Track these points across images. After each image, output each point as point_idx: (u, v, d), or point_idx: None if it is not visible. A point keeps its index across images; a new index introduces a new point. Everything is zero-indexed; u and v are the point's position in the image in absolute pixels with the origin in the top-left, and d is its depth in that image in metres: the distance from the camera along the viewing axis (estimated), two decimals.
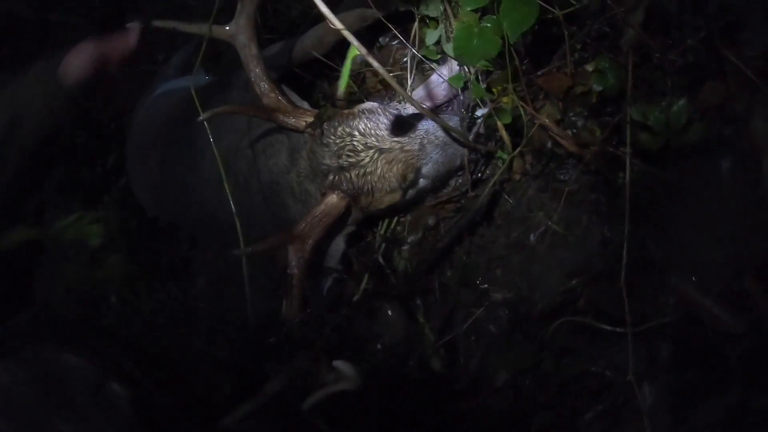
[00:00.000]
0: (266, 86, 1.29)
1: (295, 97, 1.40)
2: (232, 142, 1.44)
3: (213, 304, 1.80)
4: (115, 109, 2.24)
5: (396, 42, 1.52)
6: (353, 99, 1.54)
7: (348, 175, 1.25)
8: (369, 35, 1.51)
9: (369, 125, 1.25)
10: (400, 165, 1.24)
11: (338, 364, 1.05)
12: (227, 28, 1.30)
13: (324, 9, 1.10)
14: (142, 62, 1.97)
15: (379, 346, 1.33)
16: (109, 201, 2.20)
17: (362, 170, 1.24)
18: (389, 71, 1.53)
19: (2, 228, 2.25)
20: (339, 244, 1.37)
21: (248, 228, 1.33)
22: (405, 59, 1.50)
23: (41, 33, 2.43)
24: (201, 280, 1.86)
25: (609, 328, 1.17)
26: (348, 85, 1.56)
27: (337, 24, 1.07)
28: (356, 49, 1.09)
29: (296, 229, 1.25)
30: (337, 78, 1.58)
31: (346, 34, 1.10)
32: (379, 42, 1.55)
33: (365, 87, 1.53)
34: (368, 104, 1.33)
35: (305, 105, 1.39)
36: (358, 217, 1.33)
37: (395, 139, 1.24)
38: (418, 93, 1.40)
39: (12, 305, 2.23)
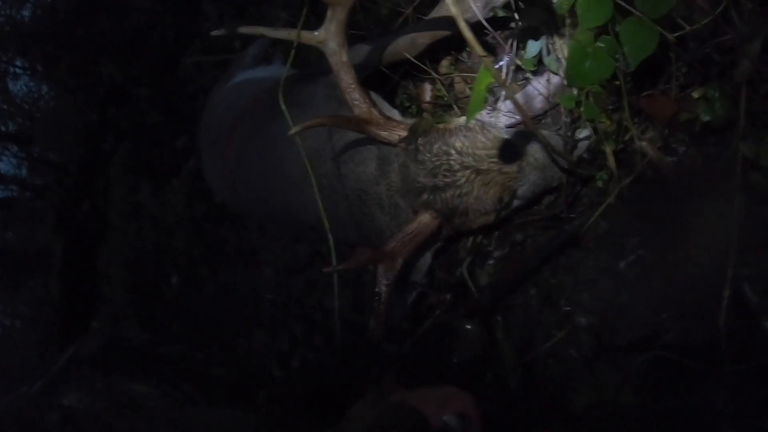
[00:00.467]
0: (358, 96, 1.25)
1: (385, 106, 1.38)
2: (317, 144, 1.42)
3: (278, 296, 1.81)
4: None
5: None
6: (441, 103, 1.52)
7: (443, 195, 1.21)
8: (459, 38, 1.48)
9: (466, 143, 1.21)
10: (497, 187, 1.20)
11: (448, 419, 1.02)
12: (316, 33, 1.26)
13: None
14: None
15: (455, 360, 1.32)
16: (177, 183, 2.23)
17: (458, 191, 1.20)
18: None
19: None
20: (426, 259, 1.35)
21: (339, 234, 1.32)
22: (496, 67, 1.47)
23: (119, 15, 2.47)
24: (268, 271, 1.86)
25: (698, 366, 1.14)
26: (435, 89, 1.54)
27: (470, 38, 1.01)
28: (489, 74, 1.05)
29: (387, 246, 1.23)
30: (424, 80, 1.56)
31: (492, 69, 1.04)
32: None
33: (454, 92, 1.50)
34: (463, 119, 1.29)
35: (395, 114, 1.36)
36: (449, 234, 1.30)
37: (493, 159, 1.19)
38: (511, 105, 1.37)
39: (77, 278, 2.30)
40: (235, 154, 1.71)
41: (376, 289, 1.22)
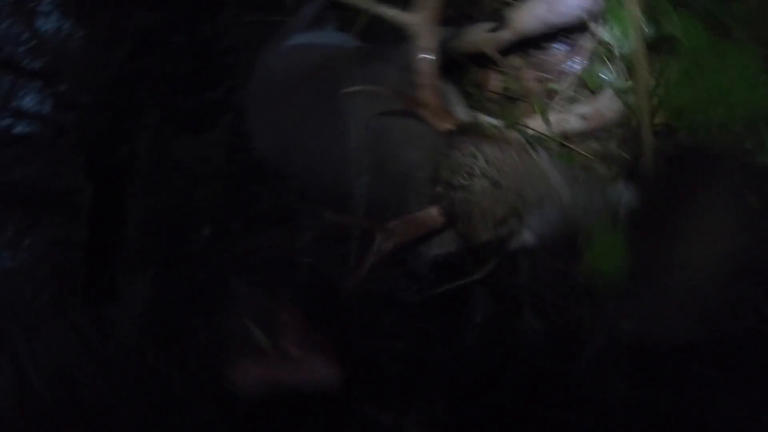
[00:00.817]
0: (429, 81, 1.27)
1: (454, 99, 1.40)
2: (380, 122, 1.43)
3: (317, 261, 1.84)
4: None
5: (562, 48, 1.54)
6: (508, 95, 1.58)
7: (453, 194, 1.21)
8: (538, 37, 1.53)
9: (497, 155, 1.20)
10: (505, 207, 1.18)
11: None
12: (410, 15, 1.29)
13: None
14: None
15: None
16: (215, 136, 2.23)
17: (468, 196, 1.20)
18: (545, 78, 1.56)
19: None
20: (428, 252, 1.35)
21: (374, 210, 1.35)
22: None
23: None
24: (307, 235, 1.90)
25: (711, 371, 1.22)
26: (504, 81, 1.59)
27: None
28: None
29: (389, 223, 1.24)
30: (491, 69, 1.61)
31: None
32: (542, 45, 1.56)
33: (520, 86, 1.56)
34: (512, 135, 1.30)
35: (460, 110, 1.38)
36: (455, 240, 1.29)
37: (517, 179, 1.18)
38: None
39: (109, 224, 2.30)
40: (293, 119, 1.73)
41: (365, 255, 1.25)
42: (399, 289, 1.62)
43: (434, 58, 1.28)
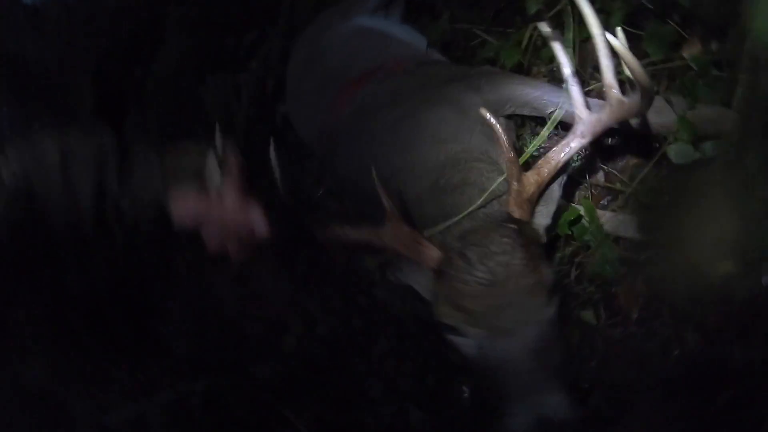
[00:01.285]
0: (546, 171, 1.23)
1: (557, 192, 1.34)
2: (458, 148, 1.37)
3: (321, 258, 1.77)
4: None
5: None
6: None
7: (458, 259, 1.15)
8: None
9: (516, 270, 1.12)
10: (474, 306, 1.13)
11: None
12: (587, 112, 1.25)
13: None
14: None
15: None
16: (241, 80, 2.07)
17: (464, 271, 1.13)
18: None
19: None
20: (403, 277, 1.33)
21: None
22: None
23: None
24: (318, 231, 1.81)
25: None
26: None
27: None
28: None
29: (406, 224, 1.21)
30: None
31: None
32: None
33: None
34: (546, 271, 1.18)
35: (548, 209, 1.32)
36: (429, 290, 1.25)
37: (505, 301, 1.12)
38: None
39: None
40: (354, 108, 1.62)
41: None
42: None
43: (566, 161, 1.24)
